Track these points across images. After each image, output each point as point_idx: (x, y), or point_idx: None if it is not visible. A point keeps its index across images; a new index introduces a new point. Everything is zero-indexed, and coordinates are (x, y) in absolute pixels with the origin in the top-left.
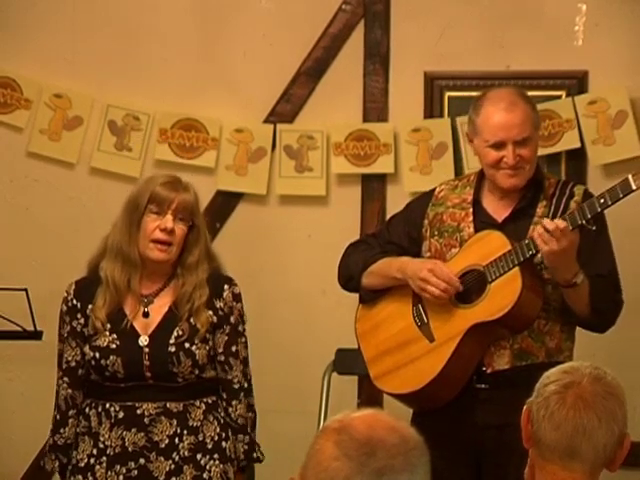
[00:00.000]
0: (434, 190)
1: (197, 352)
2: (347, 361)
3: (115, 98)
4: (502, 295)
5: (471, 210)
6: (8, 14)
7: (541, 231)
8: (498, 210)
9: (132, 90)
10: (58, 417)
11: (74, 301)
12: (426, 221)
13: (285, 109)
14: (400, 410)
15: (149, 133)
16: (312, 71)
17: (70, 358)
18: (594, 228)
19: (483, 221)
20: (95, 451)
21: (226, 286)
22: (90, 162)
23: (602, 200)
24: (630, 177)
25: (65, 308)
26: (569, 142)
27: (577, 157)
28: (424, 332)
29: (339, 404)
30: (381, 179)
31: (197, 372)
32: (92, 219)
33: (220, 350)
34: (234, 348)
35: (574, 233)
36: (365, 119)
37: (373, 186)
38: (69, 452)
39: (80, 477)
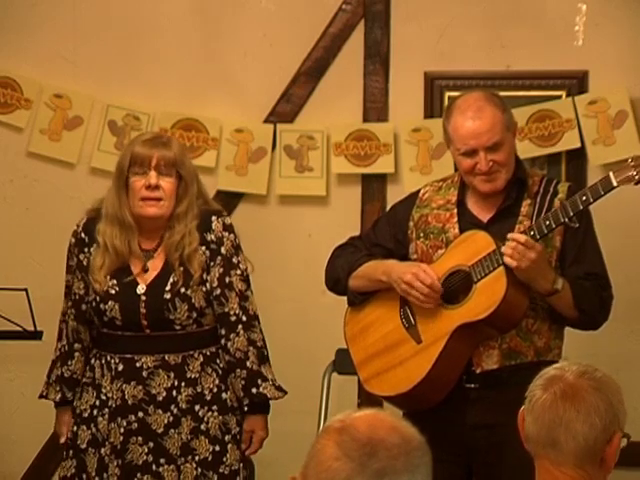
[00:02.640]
0: (418, 192)
1: (193, 295)
2: (347, 361)
3: (115, 98)
4: (487, 295)
5: (455, 211)
6: (8, 14)
7: (509, 252)
8: (483, 210)
9: (132, 90)
10: (66, 348)
11: (82, 234)
12: (411, 223)
13: (285, 109)
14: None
15: None
16: (312, 71)
17: (75, 290)
18: (577, 225)
19: (468, 222)
20: (97, 402)
21: (214, 217)
22: (90, 162)
23: (584, 197)
24: (611, 174)
25: (74, 240)
26: (569, 142)
27: (577, 157)
28: (411, 334)
29: (339, 404)
30: (381, 179)
31: (195, 316)
32: None
33: (215, 284)
34: (227, 279)
35: (539, 243)
36: (365, 119)
37: (373, 186)
38: (75, 388)
39: (84, 427)
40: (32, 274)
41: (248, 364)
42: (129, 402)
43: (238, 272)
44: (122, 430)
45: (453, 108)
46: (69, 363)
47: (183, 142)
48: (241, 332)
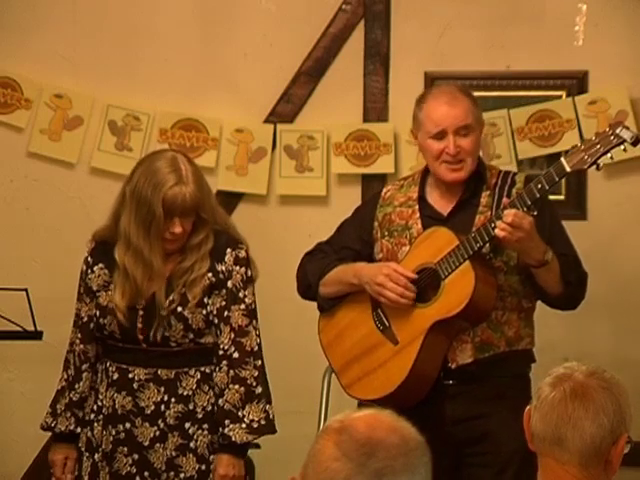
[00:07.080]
0: (380, 192)
1: (190, 316)
2: None
3: (115, 98)
4: (457, 290)
5: (417, 207)
6: (8, 14)
7: (503, 226)
8: (443, 204)
9: (132, 90)
10: (72, 373)
11: (89, 258)
12: (376, 223)
13: (285, 109)
14: None
15: (149, 133)
16: (312, 71)
17: (83, 314)
18: (535, 213)
19: (429, 216)
20: (95, 407)
21: (229, 250)
22: (90, 162)
23: (539, 185)
24: (563, 160)
25: (84, 267)
26: (569, 142)
27: None
28: (387, 336)
29: (339, 404)
30: (381, 179)
31: (192, 336)
32: (92, 219)
33: (214, 313)
34: (226, 313)
35: (527, 214)
36: (365, 119)
37: (373, 186)
38: (84, 405)
39: (86, 430)
40: (32, 274)
41: (220, 402)
42: (119, 412)
43: (242, 307)
44: (112, 438)
45: (426, 96)
46: (76, 386)
47: (183, 142)
48: (224, 368)
